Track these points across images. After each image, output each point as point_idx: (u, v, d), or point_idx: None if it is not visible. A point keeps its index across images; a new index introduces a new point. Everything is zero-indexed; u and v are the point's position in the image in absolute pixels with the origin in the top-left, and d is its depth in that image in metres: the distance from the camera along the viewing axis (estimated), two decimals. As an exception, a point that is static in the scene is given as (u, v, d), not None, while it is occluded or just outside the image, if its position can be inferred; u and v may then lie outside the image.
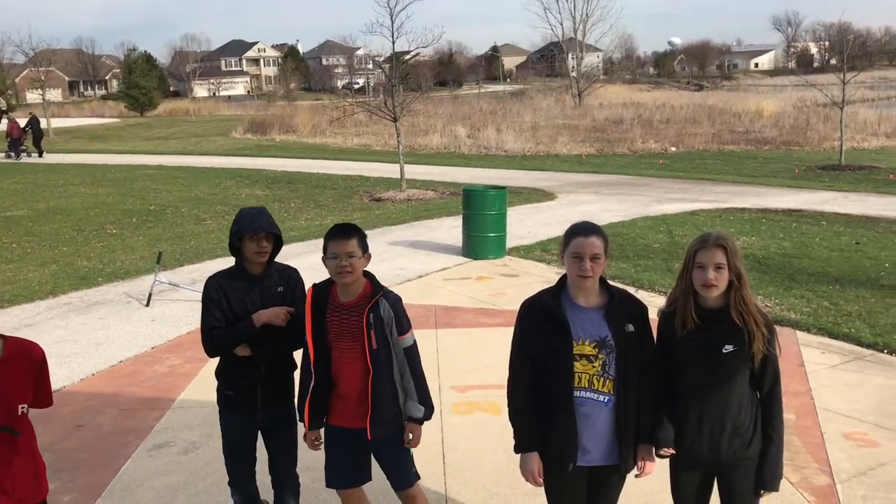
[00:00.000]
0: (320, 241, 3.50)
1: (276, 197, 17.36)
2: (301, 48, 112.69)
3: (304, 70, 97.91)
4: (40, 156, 29.25)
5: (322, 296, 3.45)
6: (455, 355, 6.75)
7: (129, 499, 4.56)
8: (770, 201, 14.72)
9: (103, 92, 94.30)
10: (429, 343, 6.89)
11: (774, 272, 9.27)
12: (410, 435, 3.50)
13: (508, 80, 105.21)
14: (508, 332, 3.25)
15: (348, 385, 3.43)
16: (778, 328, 3.23)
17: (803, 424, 5.28)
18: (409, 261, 10.42)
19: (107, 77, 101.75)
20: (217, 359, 3.77)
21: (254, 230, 3.56)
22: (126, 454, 5.10)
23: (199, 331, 3.72)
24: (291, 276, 3.76)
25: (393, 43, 17.55)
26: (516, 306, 3.25)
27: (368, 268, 3.47)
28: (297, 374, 3.72)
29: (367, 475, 3.63)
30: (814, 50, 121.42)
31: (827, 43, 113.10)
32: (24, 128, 29.55)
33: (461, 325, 7.63)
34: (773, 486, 3.11)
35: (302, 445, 3.72)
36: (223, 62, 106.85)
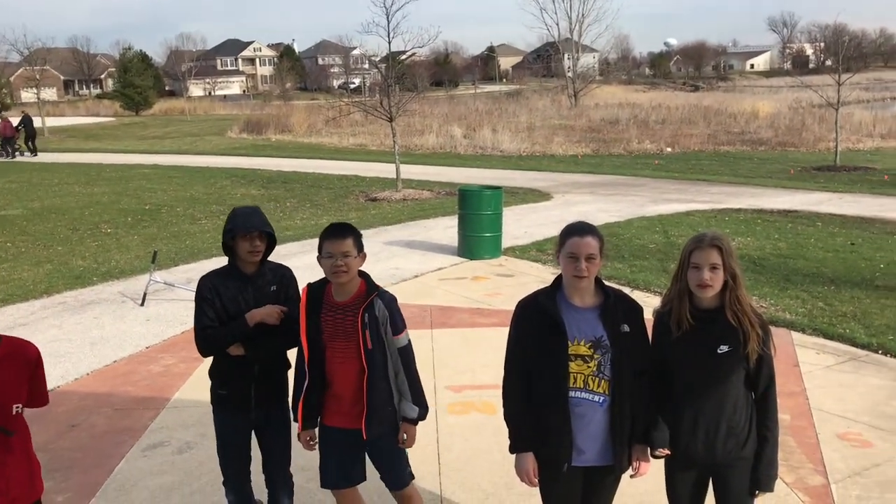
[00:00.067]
0: (316, 241, 3.49)
1: (271, 196, 17.34)
2: (297, 48, 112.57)
3: (299, 70, 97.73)
4: (34, 154, 29.19)
5: (317, 295, 3.45)
6: (450, 355, 6.74)
7: (123, 498, 4.55)
8: (765, 202, 14.74)
9: (98, 91, 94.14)
10: (424, 343, 6.90)
11: (770, 273, 9.29)
12: (405, 435, 3.49)
13: (504, 80, 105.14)
14: (504, 332, 3.24)
15: (343, 385, 3.43)
16: (773, 329, 3.24)
17: (798, 425, 5.29)
18: (404, 261, 10.41)
19: (102, 76, 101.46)
20: (211, 358, 3.76)
21: (247, 229, 3.55)
22: (120, 454, 5.08)
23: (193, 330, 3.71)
24: (285, 275, 3.75)
25: (389, 43, 17.57)
26: (512, 306, 3.25)
27: (364, 267, 3.47)
28: (291, 374, 3.71)
29: (361, 475, 3.62)
30: (809, 51, 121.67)
31: (822, 44, 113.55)
32: (17, 126, 29.50)
33: (457, 325, 7.63)
34: (768, 487, 3.11)
35: (296, 445, 3.71)
36: (219, 61, 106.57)
